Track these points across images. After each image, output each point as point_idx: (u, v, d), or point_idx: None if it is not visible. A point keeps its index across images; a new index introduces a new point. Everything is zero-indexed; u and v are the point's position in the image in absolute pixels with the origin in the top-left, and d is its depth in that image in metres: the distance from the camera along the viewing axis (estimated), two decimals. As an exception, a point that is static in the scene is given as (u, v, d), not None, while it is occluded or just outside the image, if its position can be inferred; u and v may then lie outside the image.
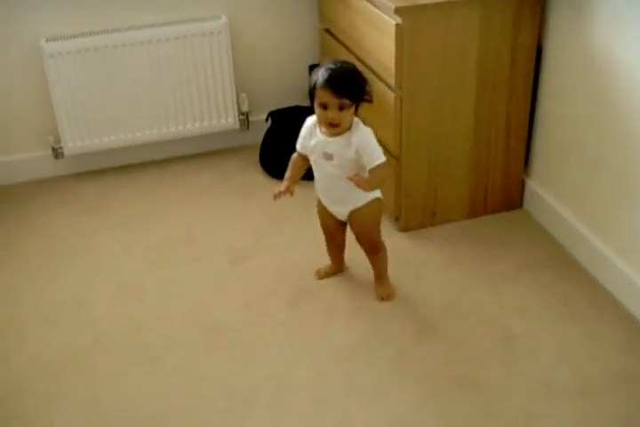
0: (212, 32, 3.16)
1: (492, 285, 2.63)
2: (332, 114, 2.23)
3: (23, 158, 3.35)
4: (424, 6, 2.48)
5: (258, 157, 3.35)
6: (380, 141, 2.86)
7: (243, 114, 3.42)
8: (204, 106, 3.33)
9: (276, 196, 2.38)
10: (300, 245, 2.84)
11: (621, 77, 2.35)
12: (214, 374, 2.33)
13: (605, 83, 2.43)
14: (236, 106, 3.37)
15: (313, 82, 2.24)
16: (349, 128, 2.29)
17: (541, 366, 2.31)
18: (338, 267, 2.69)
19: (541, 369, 2.30)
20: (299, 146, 2.43)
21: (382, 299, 2.57)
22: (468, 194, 2.90)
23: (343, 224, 2.53)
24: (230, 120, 3.38)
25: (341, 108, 2.22)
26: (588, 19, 2.44)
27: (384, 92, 2.68)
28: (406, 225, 2.89)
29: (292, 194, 2.39)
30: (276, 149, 3.27)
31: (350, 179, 2.23)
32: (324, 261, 2.69)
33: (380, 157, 2.29)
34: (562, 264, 2.72)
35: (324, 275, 2.69)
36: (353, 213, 2.44)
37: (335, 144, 2.30)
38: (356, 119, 2.30)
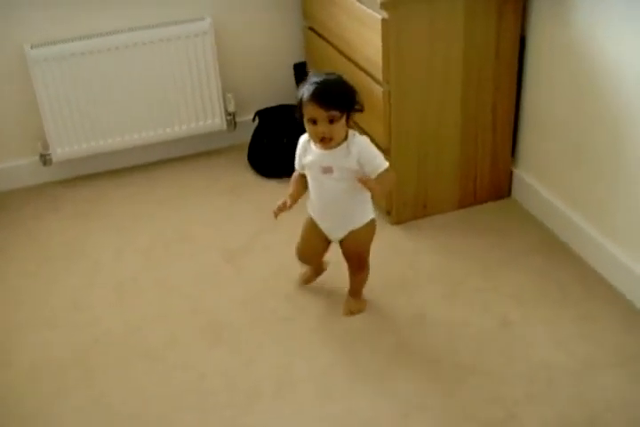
0: (197, 33, 3.18)
1: (486, 271, 2.67)
2: (323, 128, 2.17)
3: (11, 166, 3.34)
4: (409, 0, 2.51)
5: (246, 157, 3.38)
6: (369, 136, 2.90)
7: (229, 114, 3.44)
8: (190, 107, 3.34)
9: (277, 213, 2.31)
10: (294, 241, 2.85)
11: (604, 65, 2.40)
12: (216, 370, 2.35)
13: (589, 71, 2.47)
14: (222, 106, 3.39)
15: (299, 98, 2.19)
16: (345, 139, 2.24)
17: (539, 350, 2.35)
18: (320, 268, 2.65)
19: (539, 353, 2.34)
20: (297, 165, 2.38)
21: (352, 313, 2.52)
22: (458, 185, 2.93)
23: (327, 245, 2.49)
24: (217, 121, 3.40)
25: (331, 121, 2.16)
26: (571, 8, 2.48)
27: (372, 87, 2.71)
28: (398, 218, 2.93)
29: (290, 208, 2.32)
30: (264, 148, 3.30)
31: (363, 181, 2.19)
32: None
33: (384, 164, 2.26)
34: (553, 249, 2.76)
35: (309, 280, 2.65)
36: (352, 233, 2.38)
37: (332, 156, 2.24)
38: (351, 131, 2.26)
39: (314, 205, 2.39)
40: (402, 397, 2.22)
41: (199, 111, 3.36)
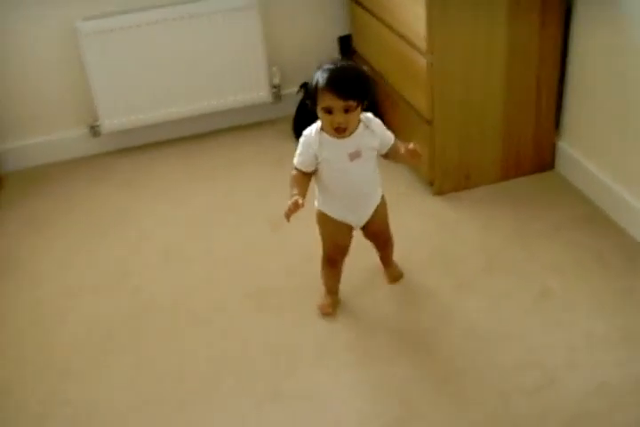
0: (244, 6, 3.22)
1: (527, 243, 2.68)
2: (339, 118, 2.07)
3: (62, 137, 3.44)
4: (454, -29, 2.52)
5: (291, 129, 3.41)
6: (412, 106, 2.92)
7: (275, 87, 3.48)
8: (236, 80, 3.39)
9: (289, 215, 2.09)
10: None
11: (651, 33, 2.38)
12: (259, 335, 2.41)
13: (635, 40, 2.45)
14: (268, 79, 3.43)
15: (313, 86, 2.08)
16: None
17: (579, 319, 2.36)
18: (337, 294, 2.50)
19: (580, 322, 2.35)
20: (299, 164, 2.22)
21: (396, 280, 2.55)
22: (501, 157, 2.94)
23: (352, 233, 2.37)
24: (263, 93, 3.45)
25: (347, 111, 2.07)
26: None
27: (416, 58, 2.73)
28: (440, 189, 2.95)
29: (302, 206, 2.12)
30: (308, 120, 3.31)
31: (411, 151, 2.13)
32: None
33: (391, 133, 2.25)
34: (596, 222, 2.76)
35: (332, 309, 2.46)
36: (374, 213, 2.33)
37: (356, 140, 2.16)
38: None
39: (334, 200, 2.28)
40: (441, 363, 2.26)
41: (245, 84, 3.41)
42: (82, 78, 3.27)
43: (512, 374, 2.19)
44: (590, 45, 2.70)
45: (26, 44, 3.20)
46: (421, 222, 2.82)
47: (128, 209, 3.08)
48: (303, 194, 2.16)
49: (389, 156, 2.27)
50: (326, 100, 2.06)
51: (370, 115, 2.20)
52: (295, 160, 2.22)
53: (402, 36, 2.82)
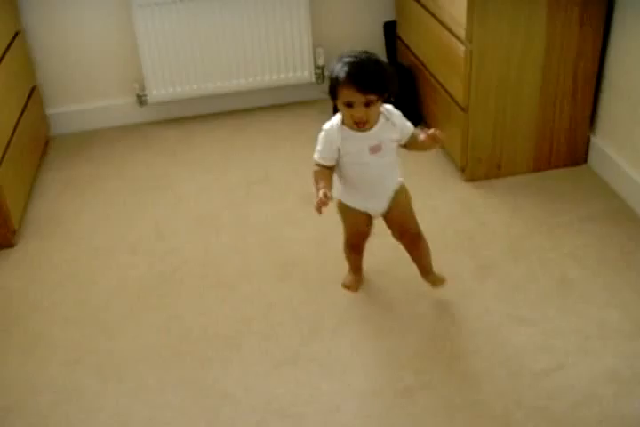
0: (293, -12, 3.31)
1: (552, 233, 2.73)
2: (359, 112, 2.05)
3: (109, 104, 3.55)
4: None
5: (332, 110, 3.48)
6: (448, 93, 2.97)
7: (318, 68, 3.56)
8: (281, 59, 3.48)
9: (320, 208, 2.06)
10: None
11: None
12: (283, 302, 2.50)
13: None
14: (312, 60, 3.51)
15: (333, 78, 2.05)
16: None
17: (595, 308, 2.41)
18: (361, 272, 2.55)
19: (595, 311, 2.40)
20: (321, 159, 2.18)
21: (441, 283, 2.45)
22: (534, 148, 2.99)
23: (372, 221, 2.37)
24: (306, 73, 3.53)
25: (367, 105, 2.04)
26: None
27: (455, 45, 2.79)
28: (472, 176, 3.01)
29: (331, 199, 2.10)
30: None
31: (432, 137, 2.11)
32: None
33: (411, 125, 2.22)
34: (623, 218, 2.79)
35: (356, 287, 2.51)
36: (392, 200, 2.29)
37: (378, 133, 2.14)
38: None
39: (354, 190, 2.27)
40: (455, 340, 2.32)
41: (289, 63, 3.49)
42: (133, 49, 3.38)
43: (523, 357, 2.25)
44: (630, 44, 2.73)
45: (82, 13, 3.31)
46: (449, 206, 2.88)
47: (167, 175, 3.20)
48: (329, 187, 2.14)
49: (409, 145, 2.25)
50: (347, 95, 2.03)
51: (390, 106, 2.18)
52: (316, 155, 2.20)
53: (443, 24, 2.88)
